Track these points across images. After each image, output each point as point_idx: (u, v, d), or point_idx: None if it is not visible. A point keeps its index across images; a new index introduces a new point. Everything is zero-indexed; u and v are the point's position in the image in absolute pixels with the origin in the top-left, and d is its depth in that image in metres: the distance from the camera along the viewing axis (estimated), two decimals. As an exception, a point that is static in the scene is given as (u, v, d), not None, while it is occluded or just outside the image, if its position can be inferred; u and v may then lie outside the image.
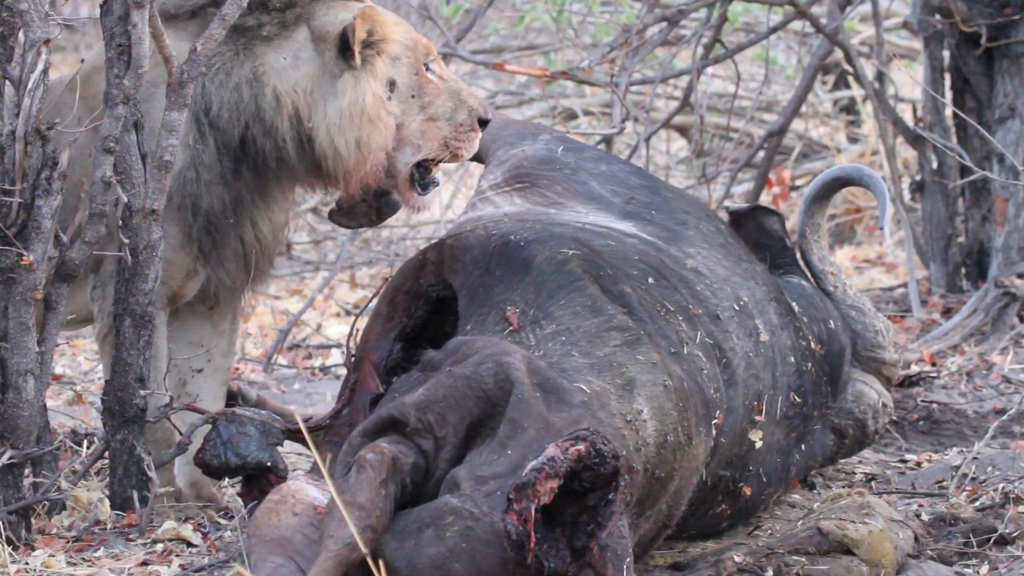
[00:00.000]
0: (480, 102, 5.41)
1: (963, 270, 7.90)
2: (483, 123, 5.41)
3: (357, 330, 5.01)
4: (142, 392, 5.19)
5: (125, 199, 5.11)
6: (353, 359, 4.96)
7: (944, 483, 5.51)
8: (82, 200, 5.10)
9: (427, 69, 5.34)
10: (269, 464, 4.90)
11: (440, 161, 5.38)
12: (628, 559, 4.21)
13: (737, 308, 5.06)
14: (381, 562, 4.22)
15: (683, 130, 10.99)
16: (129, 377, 5.18)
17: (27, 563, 4.88)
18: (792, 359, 5.18)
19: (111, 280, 5.26)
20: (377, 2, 5.43)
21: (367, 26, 5.20)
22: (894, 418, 6.14)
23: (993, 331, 7.28)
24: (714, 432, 4.80)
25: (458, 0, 9.52)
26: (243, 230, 5.35)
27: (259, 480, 4.91)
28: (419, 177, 5.39)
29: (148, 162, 5.15)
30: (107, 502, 5.25)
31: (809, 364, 5.25)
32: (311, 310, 9.01)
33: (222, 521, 5.29)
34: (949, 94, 7.85)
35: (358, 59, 5.21)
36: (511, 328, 4.65)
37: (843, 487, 5.46)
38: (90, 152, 5.13)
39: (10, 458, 5.00)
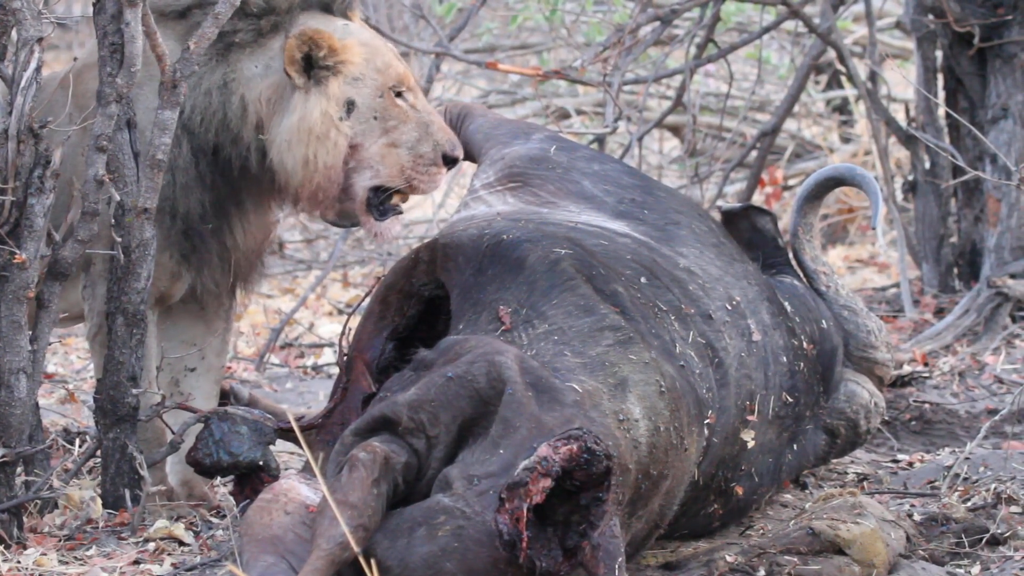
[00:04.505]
0: (449, 139, 5.30)
1: (955, 270, 7.91)
2: (449, 161, 5.30)
3: (350, 329, 5.01)
4: (134, 391, 5.18)
5: (118, 197, 5.11)
6: (345, 358, 4.96)
7: (936, 483, 5.52)
8: (74, 198, 5.10)
9: (399, 95, 5.28)
10: (261, 463, 4.90)
11: (396, 190, 5.29)
12: (620, 559, 4.21)
13: (730, 308, 5.06)
14: (373, 561, 4.22)
15: (676, 130, 11.00)
16: (121, 376, 5.18)
17: (19, 561, 4.88)
18: (784, 359, 5.18)
19: (101, 279, 5.25)
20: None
21: (304, 48, 5.12)
22: (886, 418, 6.14)
23: (985, 331, 7.29)
24: (706, 432, 4.80)
25: (451, -1, 9.52)
26: (224, 236, 5.33)
27: (251, 479, 4.91)
28: (377, 202, 5.32)
29: (140, 160, 5.15)
30: (99, 500, 5.25)
31: (801, 364, 5.25)
32: (303, 309, 9.01)
33: (214, 520, 5.29)
34: (942, 94, 7.85)
35: (297, 80, 5.16)
36: (503, 327, 4.65)
37: (835, 487, 5.46)
38: (82, 150, 5.13)
39: (2, 456, 5.00)
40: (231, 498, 5.05)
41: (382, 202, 5.31)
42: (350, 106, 5.20)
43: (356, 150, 5.24)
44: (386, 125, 5.23)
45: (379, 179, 5.27)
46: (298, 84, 5.16)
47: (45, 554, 4.94)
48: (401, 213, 5.35)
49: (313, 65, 5.16)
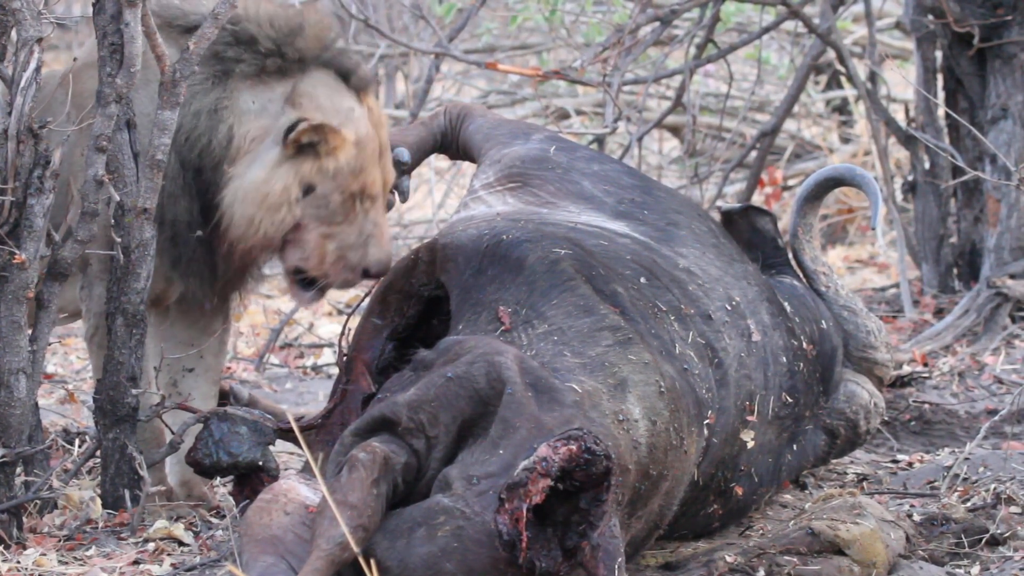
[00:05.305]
0: (379, 260, 5.26)
1: (955, 270, 7.91)
2: (368, 274, 5.28)
3: (349, 329, 5.01)
4: (134, 391, 5.18)
5: (117, 197, 5.11)
6: (345, 358, 4.96)
7: (936, 483, 5.52)
8: (74, 198, 5.10)
9: (359, 202, 5.26)
10: (261, 463, 4.90)
11: (315, 278, 5.30)
12: (620, 559, 4.21)
13: (729, 308, 5.06)
14: (373, 561, 4.22)
15: (676, 130, 11.00)
16: (121, 376, 5.18)
17: (18, 562, 4.88)
18: (784, 359, 5.18)
19: (98, 280, 5.25)
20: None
21: (315, 138, 5.13)
22: (886, 418, 6.14)
23: (985, 332, 7.29)
24: (706, 432, 4.80)
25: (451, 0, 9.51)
26: (214, 244, 5.32)
27: (251, 479, 4.91)
28: (303, 286, 5.35)
29: (140, 161, 5.15)
30: (99, 501, 5.25)
31: (801, 364, 5.25)
32: (303, 309, 9.00)
33: (214, 520, 5.29)
34: (941, 94, 7.85)
35: (290, 148, 5.15)
36: (503, 327, 4.65)
37: (835, 487, 5.46)
38: (82, 150, 5.12)
39: (2, 456, 5.00)
40: (231, 498, 5.05)
41: (306, 284, 5.33)
42: (309, 189, 5.20)
43: (298, 229, 5.24)
44: (332, 219, 5.23)
45: (305, 264, 5.28)
46: (287, 154, 5.16)
47: (45, 554, 4.93)
48: (325, 292, 5.37)
49: (307, 145, 5.16)
